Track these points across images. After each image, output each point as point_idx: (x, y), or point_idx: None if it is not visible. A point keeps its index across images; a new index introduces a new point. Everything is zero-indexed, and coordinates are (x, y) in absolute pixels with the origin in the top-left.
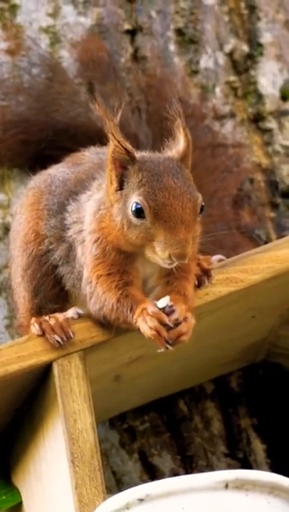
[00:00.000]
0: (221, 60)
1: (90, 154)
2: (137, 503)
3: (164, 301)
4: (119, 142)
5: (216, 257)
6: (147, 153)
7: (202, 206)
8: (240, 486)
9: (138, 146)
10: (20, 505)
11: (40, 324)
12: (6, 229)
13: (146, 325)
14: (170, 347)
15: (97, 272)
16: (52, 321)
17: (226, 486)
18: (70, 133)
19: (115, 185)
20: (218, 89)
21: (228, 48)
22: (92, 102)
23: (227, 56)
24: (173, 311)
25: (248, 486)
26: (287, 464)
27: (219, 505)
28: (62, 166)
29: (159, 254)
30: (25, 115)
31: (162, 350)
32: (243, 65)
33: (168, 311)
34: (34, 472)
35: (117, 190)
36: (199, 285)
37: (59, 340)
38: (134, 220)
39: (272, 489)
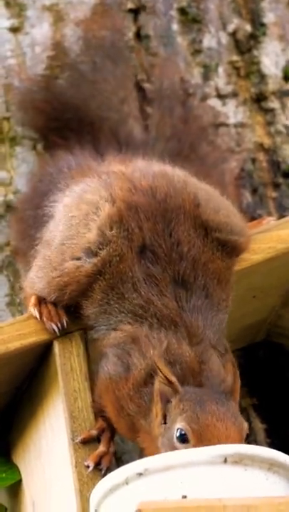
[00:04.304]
0: (224, 39)
1: (173, 271)
2: (136, 478)
3: None
4: (164, 376)
5: (269, 219)
6: (193, 388)
7: (247, 435)
8: (239, 460)
9: (137, 129)
10: (19, 482)
11: (39, 307)
12: (8, 206)
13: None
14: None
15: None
16: (50, 307)
17: (225, 461)
18: (90, 128)
19: (160, 418)
20: (220, 69)
21: (231, 27)
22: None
23: (230, 36)
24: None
25: (246, 461)
26: (287, 443)
27: (218, 479)
28: (140, 274)
29: None
30: (30, 94)
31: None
32: (245, 45)
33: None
34: (34, 450)
35: (161, 424)
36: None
37: (54, 328)
38: (179, 446)
39: (272, 465)
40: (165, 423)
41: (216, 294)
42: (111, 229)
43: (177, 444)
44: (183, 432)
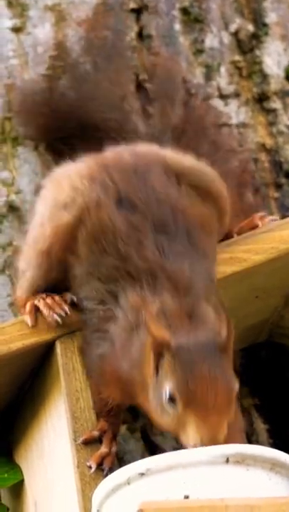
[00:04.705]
0: (226, 39)
1: (153, 219)
2: (137, 478)
3: None
4: (156, 333)
5: (271, 218)
6: (186, 334)
7: (237, 394)
8: (241, 460)
9: (141, 124)
10: (22, 483)
11: (35, 307)
12: (10, 207)
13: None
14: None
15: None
16: (49, 300)
17: (227, 461)
18: (95, 132)
19: (152, 370)
20: (222, 69)
21: (233, 27)
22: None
23: (232, 36)
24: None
25: (248, 461)
26: None
27: (220, 479)
28: (120, 223)
29: (190, 438)
30: (32, 95)
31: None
32: (248, 45)
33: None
34: (36, 450)
35: (154, 375)
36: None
37: (57, 318)
38: (167, 406)
39: (274, 465)
40: (157, 375)
41: (200, 241)
42: (83, 183)
43: (165, 404)
44: (171, 394)
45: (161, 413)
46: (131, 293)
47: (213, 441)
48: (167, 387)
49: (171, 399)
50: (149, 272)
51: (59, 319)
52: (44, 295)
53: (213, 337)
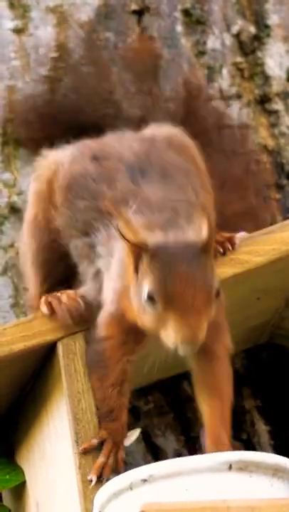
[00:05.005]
0: (228, 41)
1: (127, 161)
2: (140, 484)
3: (134, 436)
4: (131, 239)
5: (240, 234)
6: (163, 235)
7: (218, 291)
8: (244, 467)
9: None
10: (23, 484)
11: (49, 304)
12: (12, 208)
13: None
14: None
15: (109, 331)
16: (64, 297)
17: (230, 468)
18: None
19: (132, 273)
20: (224, 71)
21: (235, 29)
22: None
23: (234, 37)
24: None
25: (251, 468)
26: None
27: (223, 486)
28: (93, 169)
29: (169, 338)
30: (33, 96)
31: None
32: (249, 47)
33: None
34: (38, 452)
35: (133, 273)
36: (224, 252)
37: (69, 315)
38: (146, 306)
39: (276, 471)
40: (137, 276)
41: (177, 177)
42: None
43: (145, 303)
44: (150, 294)
45: (143, 313)
46: (106, 228)
47: (192, 340)
48: (146, 287)
49: (151, 298)
50: (122, 200)
51: (72, 314)
52: (59, 293)
53: (192, 237)
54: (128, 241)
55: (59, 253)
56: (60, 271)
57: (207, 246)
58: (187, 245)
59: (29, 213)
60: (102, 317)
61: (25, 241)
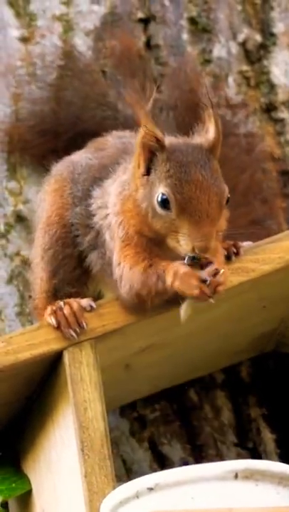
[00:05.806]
0: (234, 49)
1: (113, 139)
2: (146, 492)
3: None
4: (149, 130)
5: (246, 243)
6: (177, 139)
7: (228, 198)
8: (250, 476)
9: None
10: (29, 492)
11: (55, 315)
12: (18, 216)
13: (186, 285)
14: (212, 300)
15: (125, 252)
16: (66, 310)
17: (236, 476)
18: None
19: (142, 170)
20: (230, 79)
21: (241, 37)
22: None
23: (240, 46)
24: (209, 263)
25: (257, 476)
26: None
27: (229, 495)
28: (85, 152)
29: (183, 247)
30: (39, 104)
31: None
32: (255, 55)
33: (204, 262)
34: (44, 460)
35: (143, 175)
36: (229, 258)
37: (73, 334)
38: (159, 210)
39: (282, 479)
40: (148, 175)
41: None
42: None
43: (158, 207)
44: (165, 198)
45: (152, 217)
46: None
47: (205, 250)
48: (161, 191)
49: (165, 204)
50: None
51: (75, 335)
52: (62, 303)
53: (201, 141)
54: (147, 132)
55: (69, 249)
56: (67, 270)
57: (215, 146)
58: (198, 148)
59: (44, 211)
60: (116, 248)
61: (37, 236)
